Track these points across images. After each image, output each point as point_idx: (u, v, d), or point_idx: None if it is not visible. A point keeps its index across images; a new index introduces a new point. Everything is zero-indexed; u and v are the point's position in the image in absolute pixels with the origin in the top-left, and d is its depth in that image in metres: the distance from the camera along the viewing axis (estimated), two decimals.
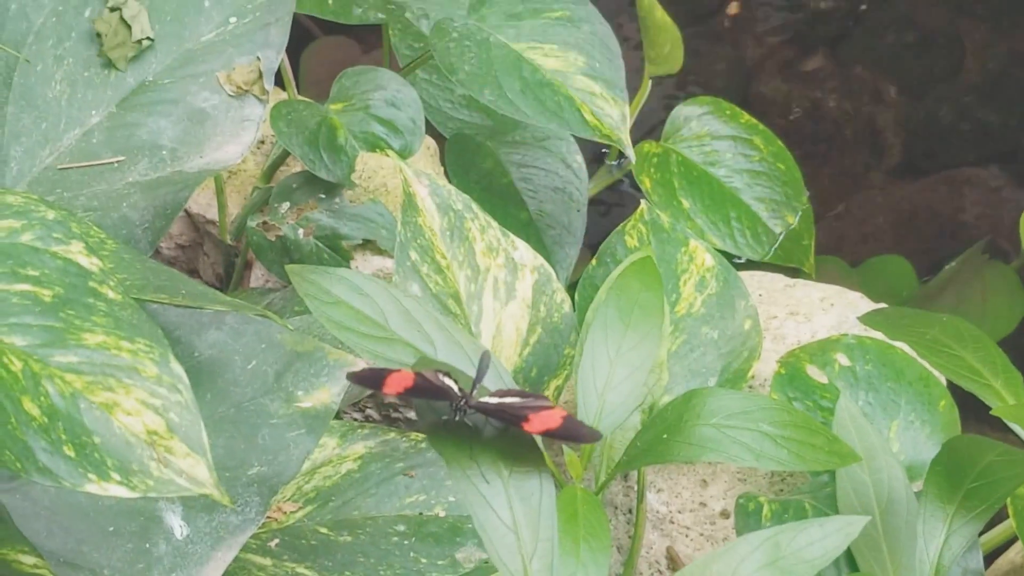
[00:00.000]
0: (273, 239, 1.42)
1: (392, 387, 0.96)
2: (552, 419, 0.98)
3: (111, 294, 0.87)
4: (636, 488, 1.27)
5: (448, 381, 0.97)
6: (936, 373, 1.28)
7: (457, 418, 0.97)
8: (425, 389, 0.96)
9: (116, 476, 0.82)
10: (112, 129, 1.15)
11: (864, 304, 1.40)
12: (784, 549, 0.96)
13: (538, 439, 1.00)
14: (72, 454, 0.82)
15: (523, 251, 1.29)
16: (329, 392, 1.04)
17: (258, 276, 1.47)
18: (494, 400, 0.98)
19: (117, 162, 1.13)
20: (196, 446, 0.85)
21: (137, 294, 0.93)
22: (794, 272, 1.56)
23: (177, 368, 0.86)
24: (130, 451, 0.83)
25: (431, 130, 1.58)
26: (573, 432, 1.01)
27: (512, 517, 0.95)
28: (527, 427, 0.96)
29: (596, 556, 1.00)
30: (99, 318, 0.86)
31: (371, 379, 0.97)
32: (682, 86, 1.75)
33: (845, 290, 1.43)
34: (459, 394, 0.96)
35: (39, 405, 0.82)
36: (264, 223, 1.43)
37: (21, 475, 0.82)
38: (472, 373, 1.00)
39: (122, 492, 0.82)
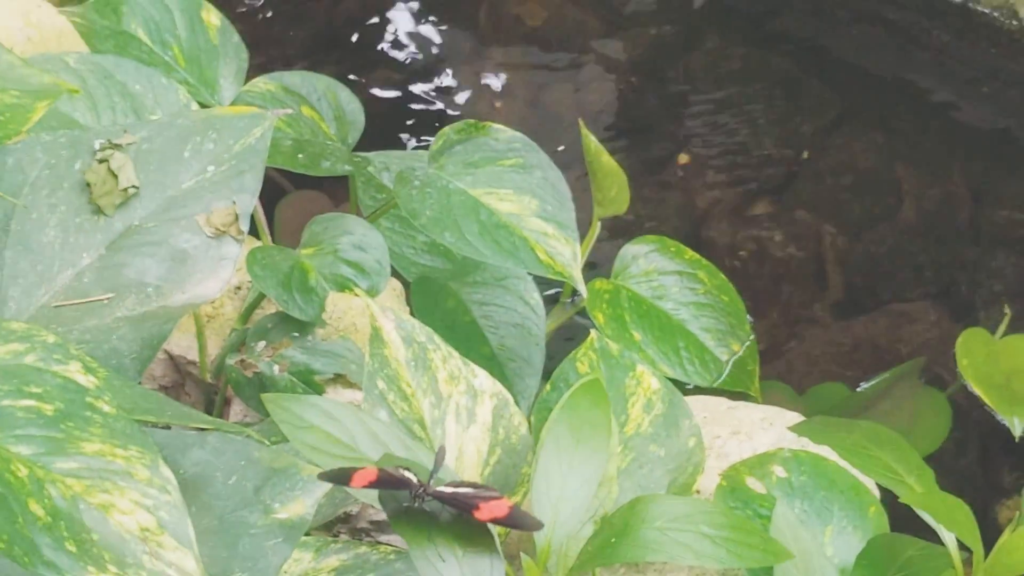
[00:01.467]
0: (250, 375, 1.46)
1: (358, 481, 1.02)
2: (500, 508, 1.04)
3: (106, 408, 0.93)
4: None
5: (408, 474, 1.04)
6: (866, 481, 1.32)
7: (416, 505, 1.03)
8: (387, 481, 1.02)
9: (113, 569, 0.88)
10: (102, 269, 1.18)
11: (797, 422, 1.41)
12: None
13: (492, 528, 1.06)
14: (74, 549, 0.88)
15: (482, 379, 1.33)
16: (304, 504, 1.09)
17: (236, 412, 1.50)
18: (449, 490, 1.04)
19: (107, 299, 1.16)
20: (184, 541, 0.91)
21: (127, 416, 0.98)
22: (742, 396, 1.60)
23: (166, 471, 0.92)
24: (125, 546, 0.89)
25: (396, 274, 1.59)
26: (518, 520, 1.07)
27: None
28: (478, 514, 1.02)
29: None
30: (95, 429, 0.92)
31: (340, 477, 1.03)
32: (635, 232, 1.77)
33: (784, 410, 1.44)
34: (418, 484, 1.03)
35: (43, 507, 0.88)
36: (242, 361, 1.46)
37: (28, 569, 0.88)
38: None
39: None
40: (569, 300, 1.64)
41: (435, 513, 1.05)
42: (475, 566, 1.03)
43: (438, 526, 1.05)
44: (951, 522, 1.17)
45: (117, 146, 1.24)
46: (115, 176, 1.22)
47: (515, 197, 1.61)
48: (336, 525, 1.32)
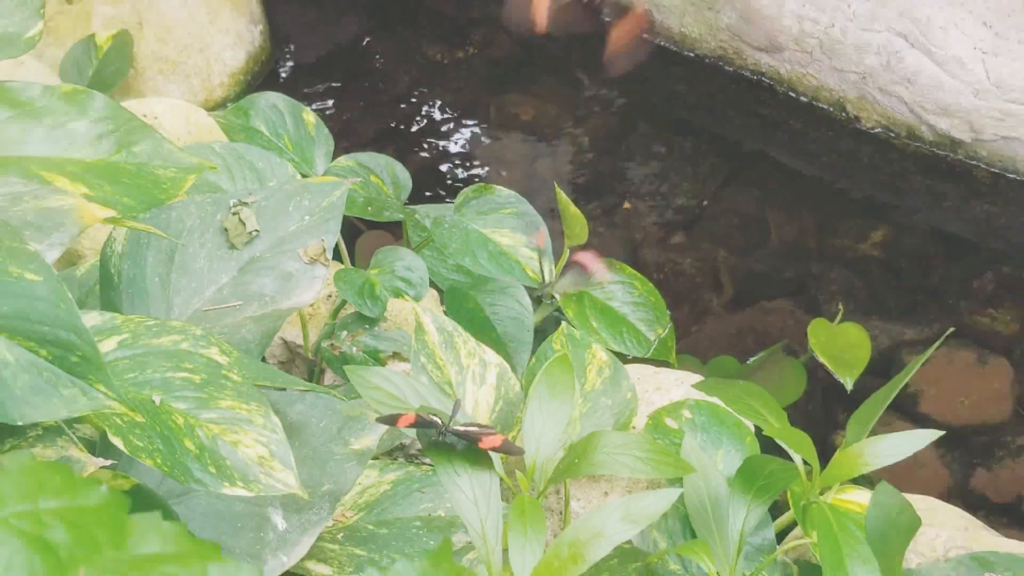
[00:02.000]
0: (337, 354, 1.47)
1: (402, 423, 1.03)
2: (496, 441, 1.04)
3: (235, 377, 0.93)
4: (563, 498, 1.30)
5: (435, 418, 1.04)
6: (745, 421, 1.33)
7: (440, 439, 1.04)
8: (421, 422, 1.02)
9: (240, 483, 0.89)
10: (235, 286, 1.18)
11: (698, 380, 1.42)
12: (633, 508, 1.01)
13: (493, 455, 1.07)
14: (214, 471, 0.88)
15: (490, 354, 1.33)
16: (371, 439, 1.09)
17: (328, 379, 1.51)
18: (461, 428, 1.04)
19: (238, 305, 1.17)
20: (288, 464, 0.91)
21: (250, 382, 0.98)
22: (664, 364, 1.60)
23: (275, 419, 0.92)
24: (248, 469, 0.89)
25: (433, 285, 1.60)
26: (508, 448, 1.07)
27: (473, 494, 1.00)
28: (480, 445, 1.03)
29: (536, 536, 1.04)
30: (228, 391, 0.92)
31: (390, 419, 1.03)
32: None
33: (691, 374, 1.44)
34: (441, 425, 1.03)
35: (194, 443, 0.89)
36: (332, 344, 1.47)
37: (184, 484, 0.88)
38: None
39: (244, 492, 0.89)
40: (550, 301, 1.65)
41: (453, 444, 1.05)
42: (479, 479, 1.03)
43: (455, 453, 1.05)
44: (798, 447, 1.17)
45: (245, 203, 1.24)
46: (243, 224, 1.22)
47: (511, 234, 1.63)
48: (395, 452, 1.31)
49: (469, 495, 1.00)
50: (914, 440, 1.15)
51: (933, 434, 1.16)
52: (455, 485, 1.01)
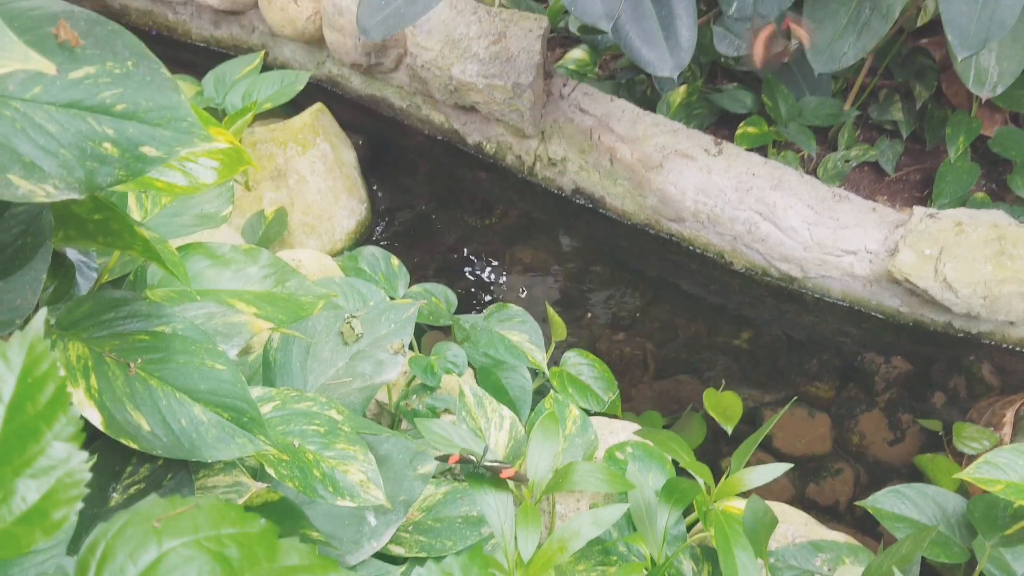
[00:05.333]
0: (410, 410, 1.43)
1: (452, 460, 0.99)
2: (510, 472, 1.00)
3: (347, 429, 0.90)
4: (552, 504, 1.26)
5: (472, 457, 1.00)
6: (667, 455, 1.29)
7: (475, 470, 1.00)
8: (464, 460, 0.99)
9: (348, 498, 0.85)
10: (347, 368, 1.14)
11: (637, 428, 1.38)
12: (598, 516, 0.97)
13: (508, 481, 1.03)
14: (331, 490, 0.84)
15: (506, 411, 1.28)
16: (431, 466, 1.04)
17: (404, 427, 1.46)
18: (489, 464, 1.00)
19: (348, 381, 1.13)
20: (378, 486, 0.87)
21: (356, 432, 0.95)
22: (615, 417, 1.56)
23: (371, 456, 0.88)
24: (353, 488, 0.86)
25: (470, 366, 1.54)
26: (518, 478, 1.03)
27: (495, 504, 0.97)
28: (502, 475, 0.99)
29: (535, 529, 1.01)
30: (342, 438, 0.89)
31: (444, 458, 1.00)
32: (568, 347, 1.73)
33: (632, 423, 1.39)
34: (476, 462, 0.99)
35: (319, 472, 0.85)
36: (407, 403, 1.43)
37: (312, 499, 0.84)
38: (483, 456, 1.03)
39: (350, 504, 0.85)
40: (543, 375, 1.60)
41: (484, 474, 1.01)
42: (499, 495, 0.99)
43: (485, 479, 1.01)
44: (701, 474, 1.13)
45: (355, 316, 1.21)
46: (353, 329, 1.19)
47: (519, 334, 1.59)
48: (445, 473, 1.27)
49: (493, 505, 0.97)
50: (773, 470, 1.11)
51: (784, 467, 1.12)
52: (484, 498, 0.98)
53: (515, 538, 0.96)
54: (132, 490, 0.75)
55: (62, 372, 0.40)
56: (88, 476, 0.40)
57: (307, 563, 0.44)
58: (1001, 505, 1.23)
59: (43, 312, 0.42)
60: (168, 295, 0.89)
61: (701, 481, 1.11)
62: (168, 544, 0.42)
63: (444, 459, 1.03)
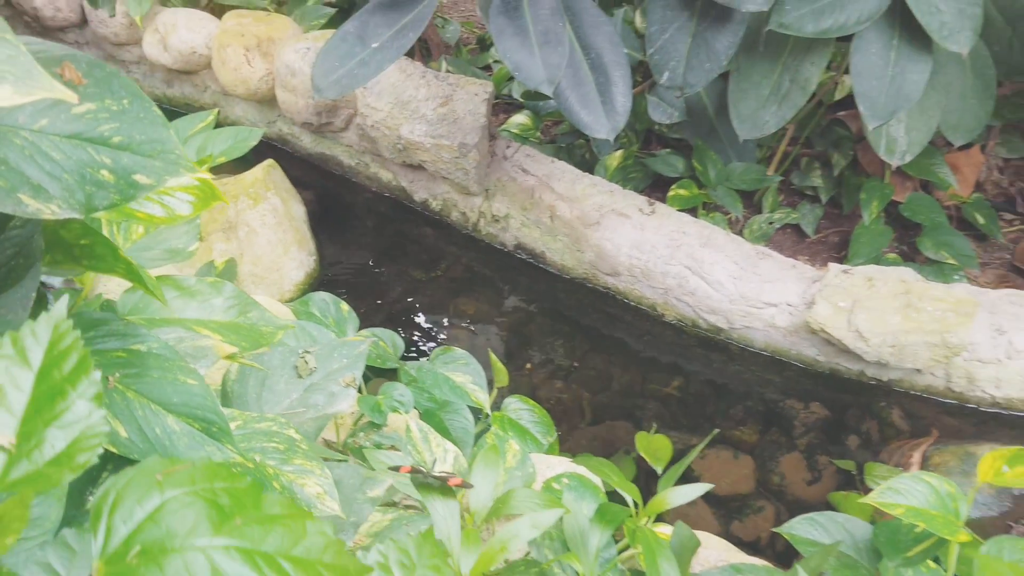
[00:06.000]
0: (357, 446, 1.48)
1: (404, 470, 1.05)
2: (457, 480, 1.07)
3: (304, 447, 0.96)
4: (492, 530, 1.32)
5: (422, 469, 1.06)
6: (598, 483, 1.35)
7: (425, 480, 1.06)
8: (415, 471, 1.05)
9: (306, 508, 0.91)
10: (301, 399, 1.19)
11: (573, 465, 1.45)
12: (536, 520, 1.04)
13: (455, 490, 1.09)
14: (289, 502, 0.91)
15: (449, 445, 1.34)
16: (379, 491, 1.10)
17: (353, 460, 1.51)
18: (437, 473, 1.07)
19: (302, 411, 1.19)
20: (334, 498, 0.94)
21: (313, 452, 1.01)
22: (553, 455, 1.62)
23: (327, 471, 0.95)
24: (310, 501, 0.92)
25: (417, 407, 1.60)
26: (464, 484, 1.10)
27: (444, 513, 1.03)
28: (449, 483, 1.06)
29: (474, 551, 1.07)
30: (300, 455, 0.95)
31: (396, 468, 1.06)
32: (511, 392, 1.79)
33: (567, 459, 1.46)
34: (426, 472, 1.06)
35: (279, 484, 0.91)
36: (354, 440, 1.48)
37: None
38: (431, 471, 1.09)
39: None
40: (485, 418, 1.66)
41: (433, 483, 1.07)
42: (448, 504, 1.05)
43: (435, 488, 1.07)
44: (630, 492, 1.19)
45: (309, 352, 1.26)
46: (307, 363, 1.25)
47: (463, 376, 1.65)
48: (392, 502, 1.33)
49: (441, 512, 1.03)
50: (695, 490, 1.19)
51: (705, 487, 1.20)
52: (433, 507, 1.04)
53: (461, 543, 1.02)
54: None
55: (83, 344, 0.48)
56: (106, 428, 0.47)
57: (287, 512, 0.51)
58: (904, 530, 1.33)
59: (66, 297, 0.50)
60: (139, 321, 0.96)
61: (630, 499, 1.19)
62: (169, 493, 0.49)
63: (396, 469, 1.10)
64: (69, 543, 0.59)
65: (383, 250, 2.50)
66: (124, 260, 0.79)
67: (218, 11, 2.99)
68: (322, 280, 2.36)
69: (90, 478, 0.83)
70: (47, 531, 0.65)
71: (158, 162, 0.69)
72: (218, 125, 2.55)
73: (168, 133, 0.71)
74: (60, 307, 0.49)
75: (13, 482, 0.45)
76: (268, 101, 2.76)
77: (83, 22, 3.02)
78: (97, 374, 0.48)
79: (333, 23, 2.89)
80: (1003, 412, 1.94)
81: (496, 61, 3.13)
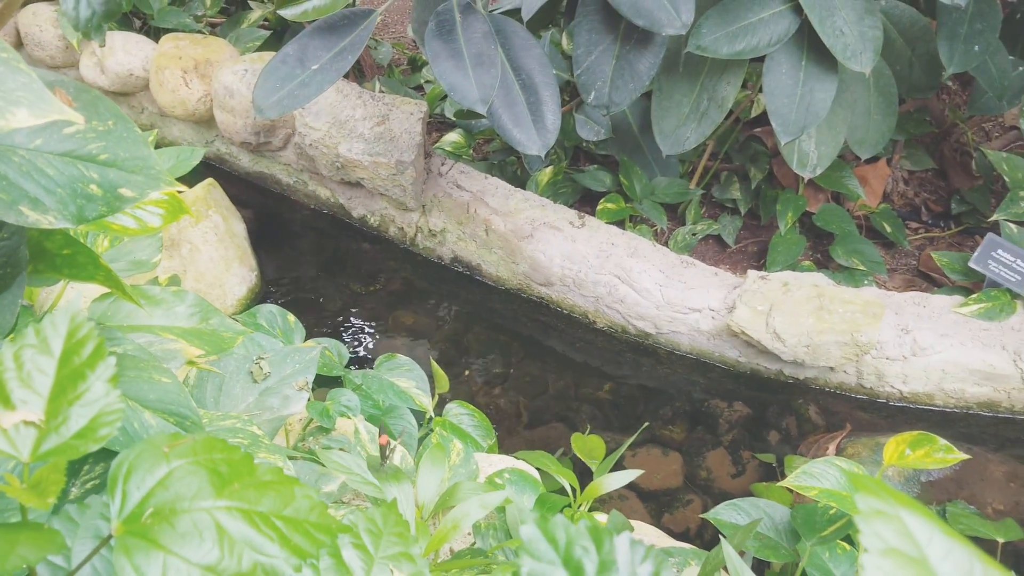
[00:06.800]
0: (307, 450, 1.53)
1: (382, 442, 1.11)
2: (384, 440, 1.13)
3: (266, 442, 1.02)
4: (438, 521, 1.38)
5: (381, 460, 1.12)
6: (536, 476, 1.43)
7: (384, 469, 1.12)
8: (383, 452, 1.11)
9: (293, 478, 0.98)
10: (257, 403, 1.25)
11: (514, 461, 1.52)
12: (484, 500, 1.10)
13: (406, 477, 1.15)
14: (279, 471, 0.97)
15: (398, 446, 1.42)
16: (333, 487, 1.17)
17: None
18: (387, 465, 1.13)
19: (258, 413, 1.25)
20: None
21: (274, 447, 1.07)
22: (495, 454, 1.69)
23: (289, 463, 1.01)
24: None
25: (364, 412, 1.66)
26: (388, 442, 1.15)
27: (399, 495, 1.10)
28: (380, 441, 1.12)
29: (423, 540, 1.13)
30: (263, 448, 1.01)
31: (381, 437, 1.11)
32: (451, 399, 1.84)
33: (508, 457, 1.54)
34: (383, 462, 1.12)
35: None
36: (304, 445, 1.53)
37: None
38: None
39: None
40: (428, 422, 1.72)
41: (389, 471, 1.12)
42: (402, 488, 1.10)
43: (390, 474, 1.12)
44: (567, 477, 1.27)
45: (262, 359, 1.32)
46: (262, 369, 1.30)
47: (406, 381, 1.70)
48: (343, 502, 1.37)
49: (398, 495, 1.10)
50: (627, 475, 1.28)
51: (636, 472, 1.29)
52: (389, 490, 1.10)
53: (416, 525, 1.09)
54: (88, 485, 0.86)
55: (97, 334, 0.55)
56: (122, 406, 0.54)
57: (278, 479, 0.59)
58: (819, 512, 1.44)
59: (78, 294, 0.56)
60: (112, 326, 1.01)
61: (568, 485, 1.27)
62: (175, 463, 0.56)
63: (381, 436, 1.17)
64: (72, 516, 0.65)
65: (323, 265, 2.55)
66: (104, 268, 0.85)
67: (154, 34, 3.02)
68: (264, 295, 2.40)
69: (73, 471, 0.88)
70: (44, 514, 0.71)
71: (140, 177, 0.76)
72: (157, 146, 2.58)
73: (148, 151, 0.78)
74: (75, 303, 0.56)
75: (44, 453, 0.52)
76: (206, 121, 2.80)
77: (19, 44, 3.02)
78: (112, 359, 0.55)
79: (268, 45, 2.94)
80: (910, 406, 2.08)
81: (428, 81, 3.21)
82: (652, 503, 1.90)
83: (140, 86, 2.89)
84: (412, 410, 1.67)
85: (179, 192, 0.91)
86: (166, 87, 2.72)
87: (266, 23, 3.07)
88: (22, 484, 0.52)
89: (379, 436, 1.20)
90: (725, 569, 1.29)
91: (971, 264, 2.11)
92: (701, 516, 1.52)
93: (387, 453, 1.17)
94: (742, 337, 2.04)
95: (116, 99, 3.01)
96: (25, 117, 0.58)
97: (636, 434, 1.47)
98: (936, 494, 1.89)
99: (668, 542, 1.46)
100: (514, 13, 2.27)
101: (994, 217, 2.26)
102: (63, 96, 0.74)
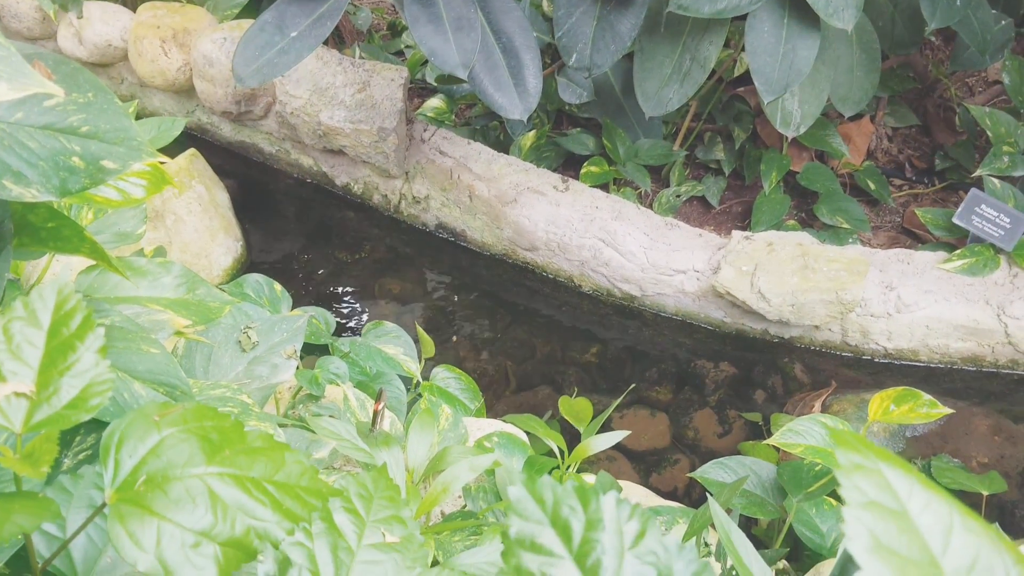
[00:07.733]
0: (296, 417, 1.54)
1: (376, 407, 1.12)
2: (378, 406, 1.14)
3: (256, 410, 1.03)
4: (428, 485, 1.40)
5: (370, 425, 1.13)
6: (524, 439, 1.45)
7: (374, 436, 1.14)
8: (374, 417, 1.12)
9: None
10: (246, 371, 1.26)
11: (502, 425, 1.53)
12: (472, 463, 1.12)
13: (397, 442, 1.16)
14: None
15: (387, 411, 1.44)
16: (324, 453, 1.18)
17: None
18: (377, 431, 1.14)
19: (247, 382, 1.26)
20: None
21: (265, 415, 1.08)
22: (484, 418, 1.71)
23: (279, 430, 1.02)
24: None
25: (352, 379, 1.67)
26: (381, 401, 1.17)
27: (390, 460, 1.11)
28: (375, 408, 1.14)
29: (414, 505, 1.15)
30: (253, 416, 1.02)
31: (379, 393, 1.13)
32: (437, 363, 1.86)
33: (497, 421, 1.56)
34: (372, 427, 1.13)
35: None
36: (294, 412, 1.55)
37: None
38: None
39: None
40: (415, 387, 1.73)
41: (378, 436, 1.14)
42: (393, 453, 1.11)
43: (380, 440, 1.13)
44: (554, 439, 1.28)
45: (250, 328, 1.33)
46: (250, 338, 1.31)
47: (394, 347, 1.71)
48: (334, 467, 1.39)
49: (388, 460, 1.11)
50: (614, 436, 1.30)
51: (623, 433, 1.31)
52: (380, 455, 1.12)
53: (406, 489, 1.11)
54: (80, 456, 0.87)
55: (85, 306, 0.55)
56: (112, 376, 0.54)
57: (268, 445, 0.60)
58: (805, 469, 1.46)
59: (66, 267, 0.57)
60: (100, 298, 1.02)
61: (555, 447, 1.29)
62: (166, 431, 0.57)
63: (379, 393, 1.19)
64: (65, 487, 0.66)
65: (308, 234, 2.55)
66: (89, 240, 0.86)
67: (132, 3, 2.99)
68: (250, 265, 2.40)
69: (65, 442, 0.89)
70: (39, 484, 0.72)
71: (122, 148, 0.76)
72: (138, 117, 2.57)
73: (130, 122, 0.78)
74: (63, 276, 0.57)
75: (37, 424, 0.52)
76: (186, 91, 2.78)
77: None
78: (101, 330, 0.55)
79: (246, 12, 2.91)
80: (895, 362, 2.10)
81: (408, 47, 3.19)
82: (640, 464, 1.92)
83: (119, 57, 2.87)
84: (400, 376, 1.68)
85: (161, 163, 0.91)
86: (145, 57, 2.70)
87: None
88: (15, 455, 0.53)
89: (376, 403, 1.21)
90: (712, 527, 1.31)
91: (955, 220, 2.13)
92: (688, 475, 1.54)
93: (377, 419, 1.19)
94: (727, 298, 2.06)
95: (95, 70, 2.98)
96: (4, 91, 0.58)
97: (623, 396, 1.48)
98: (921, 449, 1.92)
99: (656, 501, 1.48)
100: None
101: (977, 172, 2.27)
102: (42, 69, 0.74)
